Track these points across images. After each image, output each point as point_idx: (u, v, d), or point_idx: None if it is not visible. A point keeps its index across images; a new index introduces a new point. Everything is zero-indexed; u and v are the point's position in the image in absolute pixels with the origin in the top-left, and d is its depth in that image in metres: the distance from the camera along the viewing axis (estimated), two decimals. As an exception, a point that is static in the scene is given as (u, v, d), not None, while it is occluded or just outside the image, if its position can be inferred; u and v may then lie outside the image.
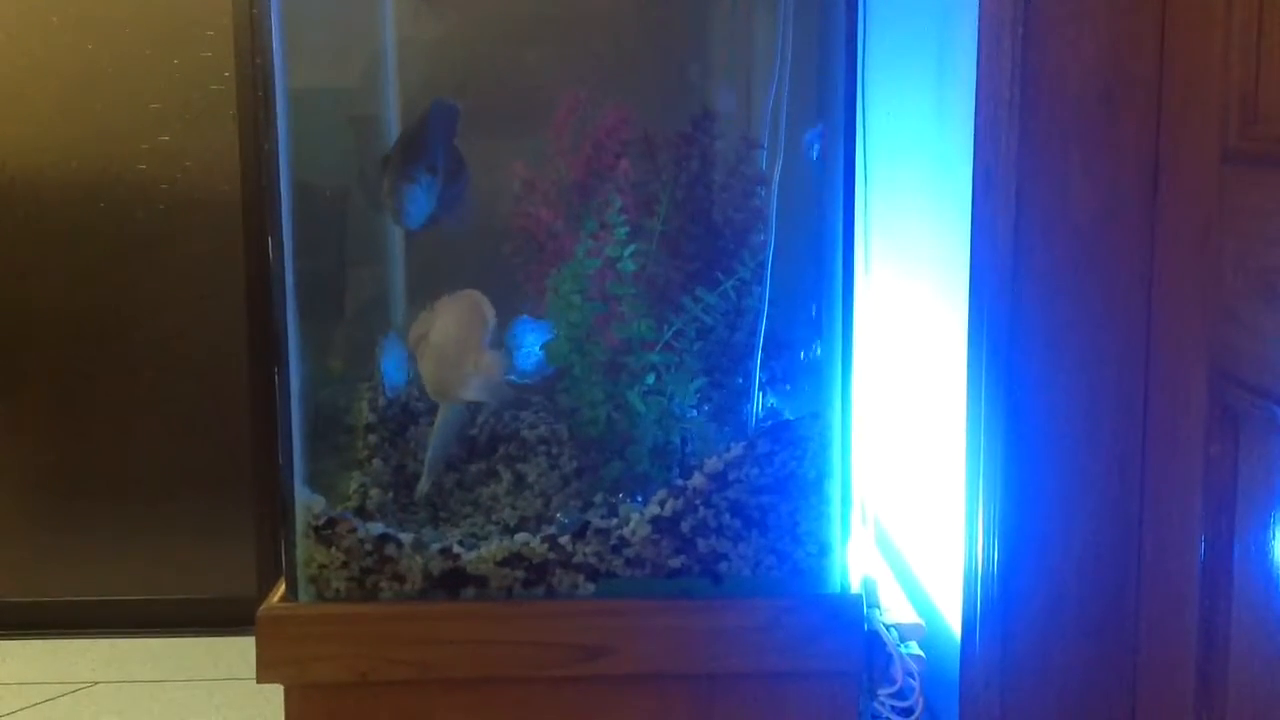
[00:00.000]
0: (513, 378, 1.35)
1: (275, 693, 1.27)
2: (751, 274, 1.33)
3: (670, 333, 1.33)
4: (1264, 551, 0.95)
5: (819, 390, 1.30)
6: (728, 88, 1.53)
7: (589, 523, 1.28)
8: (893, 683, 1.27)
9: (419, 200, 1.32)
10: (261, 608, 1.26)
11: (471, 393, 1.34)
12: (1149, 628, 1.18)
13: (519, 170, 1.44)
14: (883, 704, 1.30)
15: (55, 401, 2.42)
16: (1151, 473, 1.17)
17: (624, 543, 1.27)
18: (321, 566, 1.27)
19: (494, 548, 1.27)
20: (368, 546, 1.27)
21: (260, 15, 1.24)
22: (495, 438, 1.49)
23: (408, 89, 1.61)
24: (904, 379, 1.70)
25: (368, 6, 1.59)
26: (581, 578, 1.27)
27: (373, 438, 1.45)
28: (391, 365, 1.49)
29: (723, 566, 1.28)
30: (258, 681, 1.25)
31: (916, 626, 1.31)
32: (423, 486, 1.39)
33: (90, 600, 2.42)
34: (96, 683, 2.20)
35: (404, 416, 1.49)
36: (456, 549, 1.27)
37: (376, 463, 1.42)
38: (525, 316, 1.36)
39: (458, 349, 1.35)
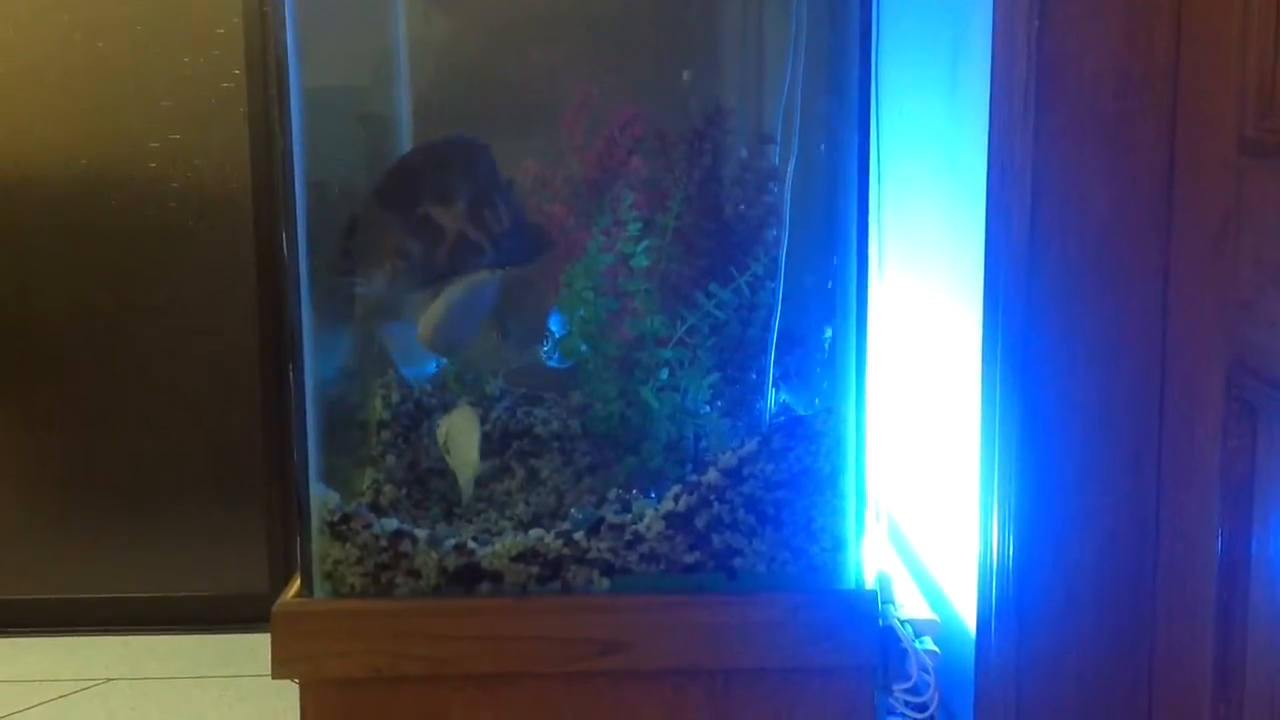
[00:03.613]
0: (553, 361, 1.37)
1: (289, 689, 1.27)
2: (765, 269, 1.33)
3: (684, 328, 1.33)
4: (1282, 545, 0.95)
5: (833, 385, 1.30)
6: (741, 83, 1.52)
7: (603, 518, 1.28)
8: (908, 678, 1.27)
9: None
10: (277, 604, 1.26)
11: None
12: (1166, 622, 1.18)
13: (531, 167, 1.44)
14: (897, 699, 1.30)
15: (66, 399, 2.43)
16: (1168, 467, 1.17)
17: (638, 538, 1.27)
18: (336, 562, 1.27)
19: (508, 543, 1.27)
20: (382, 542, 1.27)
21: (274, 13, 1.24)
22: (508, 433, 1.49)
23: (419, 87, 1.62)
24: (918, 374, 1.70)
25: (379, 4, 1.59)
26: (596, 573, 1.27)
27: (386, 434, 1.45)
28: (399, 351, 1.49)
29: (737, 562, 1.28)
30: (273, 677, 1.25)
31: (931, 622, 1.31)
32: (466, 498, 1.39)
33: (103, 598, 2.43)
34: (110, 679, 2.20)
35: (418, 412, 1.49)
36: (471, 545, 1.28)
37: (390, 459, 1.42)
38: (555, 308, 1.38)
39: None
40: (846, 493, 1.28)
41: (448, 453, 1.36)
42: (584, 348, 1.35)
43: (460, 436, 1.37)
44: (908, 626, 1.29)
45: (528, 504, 1.39)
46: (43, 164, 2.37)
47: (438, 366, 1.51)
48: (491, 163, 1.37)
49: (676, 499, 1.28)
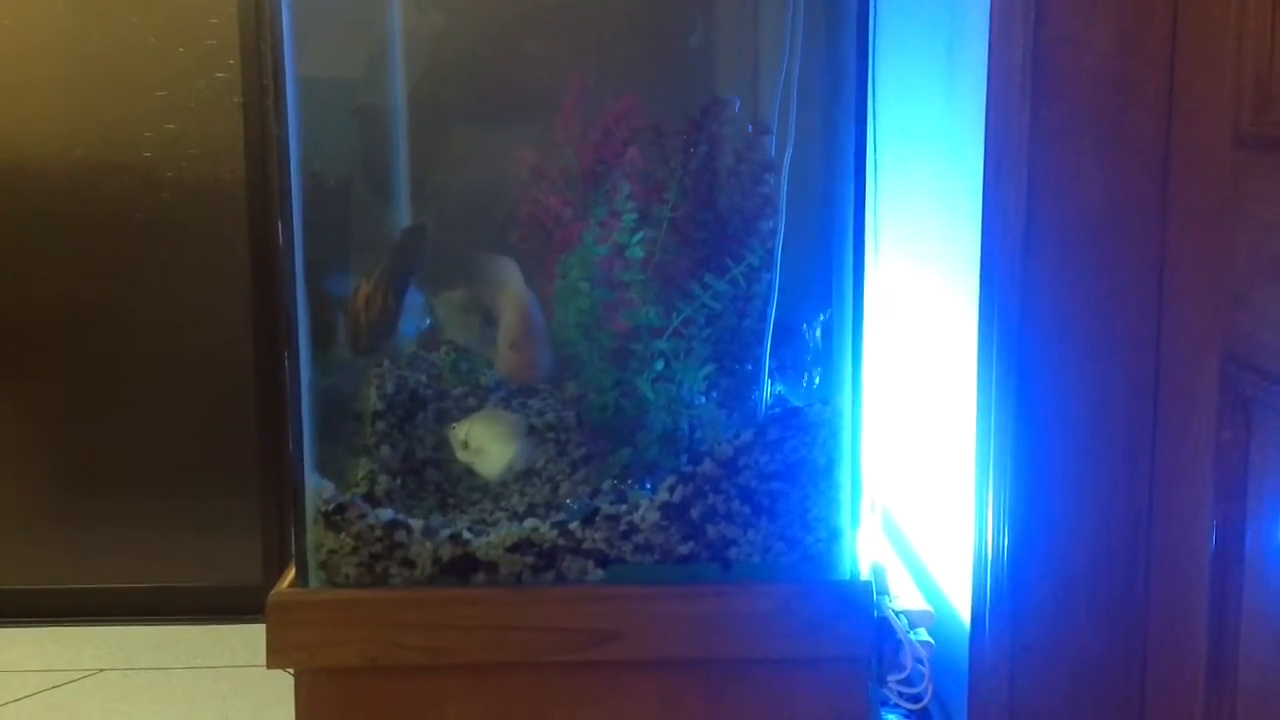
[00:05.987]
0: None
1: (282, 679, 1.27)
2: (761, 260, 1.33)
3: (679, 319, 1.33)
4: (1275, 538, 0.95)
5: (829, 377, 1.30)
6: (737, 74, 1.52)
7: (598, 509, 1.28)
8: (902, 669, 1.27)
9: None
10: (272, 593, 1.26)
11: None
12: (1159, 614, 1.18)
13: (526, 157, 1.44)
14: (892, 690, 1.30)
15: (60, 390, 2.42)
16: (1162, 459, 1.17)
17: (633, 529, 1.27)
18: (331, 552, 1.27)
19: (503, 533, 1.27)
20: (377, 532, 1.27)
21: (269, 3, 1.24)
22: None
23: (414, 77, 1.61)
24: (914, 366, 1.70)
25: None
26: (591, 563, 1.27)
27: (381, 424, 1.45)
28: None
29: (732, 552, 1.28)
30: (268, 667, 1.25)
31: (926, 613, 1.31)
32: (517, 466, 1.38)
33: (96, 588, 2.42)
34: (102, 670, 2.20)
35: (412, 403, 1.49)
36: (466, 535, 1.28)
37: (384, 449, 1.42)
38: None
39: None
40: (842, 484, 1.28)
41: (465, 446, 1.36)
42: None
43: (484, 430, 1.36)
44: (902, 618, 1.29)
45: (523, 494, 1.39)
46: (37, 154, 2.36)
47: (417, 330, 1.51)
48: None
49: (671, 490, 1.28)
